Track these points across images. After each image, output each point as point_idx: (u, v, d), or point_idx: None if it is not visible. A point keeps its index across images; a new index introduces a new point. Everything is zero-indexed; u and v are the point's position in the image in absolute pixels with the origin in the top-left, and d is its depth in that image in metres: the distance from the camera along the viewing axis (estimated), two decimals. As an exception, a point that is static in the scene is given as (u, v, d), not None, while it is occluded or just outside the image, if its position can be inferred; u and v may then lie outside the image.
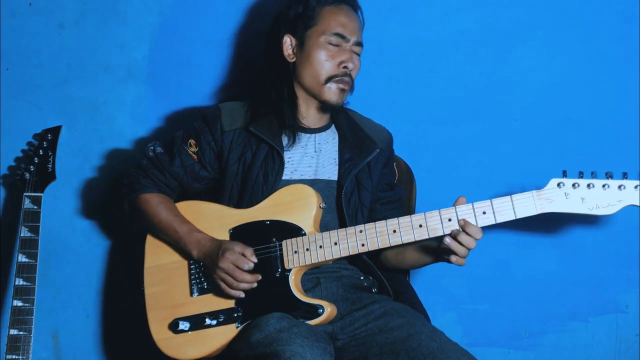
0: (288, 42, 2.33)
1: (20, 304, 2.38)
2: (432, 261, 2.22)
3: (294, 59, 2.33)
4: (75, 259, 2.74)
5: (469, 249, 2.04)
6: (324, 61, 2.27)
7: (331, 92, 2.28)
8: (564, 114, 2.64)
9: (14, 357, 2.35)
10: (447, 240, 2.04)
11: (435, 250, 2.17)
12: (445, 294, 2.70)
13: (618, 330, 2.62)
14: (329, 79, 2.27)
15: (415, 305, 2.30)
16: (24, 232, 2.42)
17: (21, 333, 2.36)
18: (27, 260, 2.41)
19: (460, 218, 2.05)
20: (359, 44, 2.32)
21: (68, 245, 2.74)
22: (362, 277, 2.30)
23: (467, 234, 2.03)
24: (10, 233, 2.65)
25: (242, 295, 2.15)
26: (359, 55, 2.33)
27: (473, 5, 2.67)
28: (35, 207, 2.46)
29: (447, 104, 2.68)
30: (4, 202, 2.72)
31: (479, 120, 2.67)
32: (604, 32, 2.63)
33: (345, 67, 2.26)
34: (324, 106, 2.32)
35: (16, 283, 2.39)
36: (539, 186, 2.04)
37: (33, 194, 2.48)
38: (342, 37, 2.27)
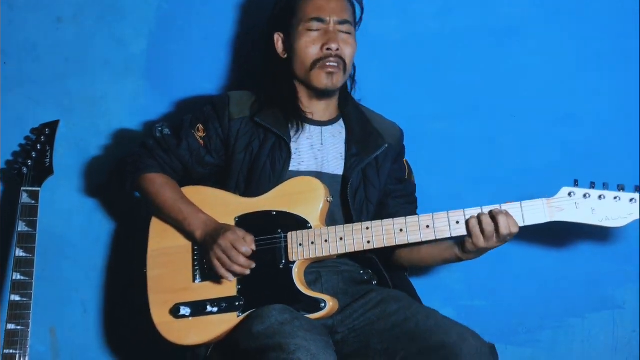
0: (280, 40, 2.33)
1: (17, 298, 2.36)
2: (454, 252, 2.17)
3: (286, 55, 2.33)
4: (73, 253, 2.73)
5: (495, 240, 2.04)
6: (306, 48, 2.26)
7: (318, 77, 2.26)
8: (566, 112, 2.65)
9: (11, 351, 2.33)
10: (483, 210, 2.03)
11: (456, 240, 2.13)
12: (443, 289, 2.69)
13: (615, 326, 2.63)
14: (314, 64, 2.25)
15: (413, 301, 2.31)
16: (21, 227, 2.41)
17: (19, 327, 2.34)
18: (24, 254, 2.39)
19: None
20: (344, 22, 2.27)
21: (66, 239, 2.73)
22: (361, 271, 2.30)
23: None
24: (8, 228, 2.64)
25: (232, 278, 2.14)
26: (349, 33, 2.28)
27: (474, 0, 2.67)
28: (33, 202, 2.44)
29: (447, 101, 2.68)
30: (2, 197, 2.71)
31: (479, 118, 2.67)
32: (610, 27, 2.63)
33: (328, 48, 2.24)
34: (317, 93, 2.30)
35: (14, 278, 2.37)
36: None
37: (30, 189, 2.46)
38: (320, 20, 2.25)
